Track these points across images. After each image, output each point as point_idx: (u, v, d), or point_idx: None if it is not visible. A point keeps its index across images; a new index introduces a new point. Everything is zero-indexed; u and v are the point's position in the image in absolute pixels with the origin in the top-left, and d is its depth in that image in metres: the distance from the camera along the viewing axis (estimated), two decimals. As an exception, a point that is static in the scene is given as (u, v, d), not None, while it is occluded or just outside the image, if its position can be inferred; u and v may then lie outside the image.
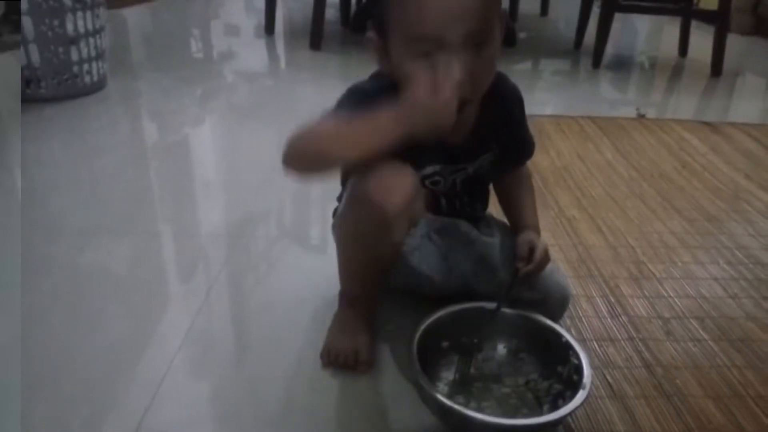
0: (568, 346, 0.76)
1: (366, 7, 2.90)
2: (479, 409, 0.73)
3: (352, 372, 0.82)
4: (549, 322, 0.80)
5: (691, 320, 0.96)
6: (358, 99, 0.76)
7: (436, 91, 0.66)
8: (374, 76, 0.81)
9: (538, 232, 0.88)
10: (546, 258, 0.84)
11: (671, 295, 1.03)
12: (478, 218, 0.91)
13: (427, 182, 0.84)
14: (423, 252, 0.85)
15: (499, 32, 0.73)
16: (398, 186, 0.73)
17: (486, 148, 0.85)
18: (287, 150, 0.72)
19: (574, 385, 0.71)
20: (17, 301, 0.92)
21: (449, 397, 0.71)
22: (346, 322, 0.86)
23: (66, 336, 0.88)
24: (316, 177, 0.81)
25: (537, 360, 0.80)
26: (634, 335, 0.92)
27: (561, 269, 0.97)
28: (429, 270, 0.86)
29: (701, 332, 0.93)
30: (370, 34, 0.75)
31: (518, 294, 0.82)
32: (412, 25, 0.69)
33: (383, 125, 0.69)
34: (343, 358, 0.82)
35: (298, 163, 0.73)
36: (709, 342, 0.91)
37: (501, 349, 0.81)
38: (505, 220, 0.94)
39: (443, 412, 0.70)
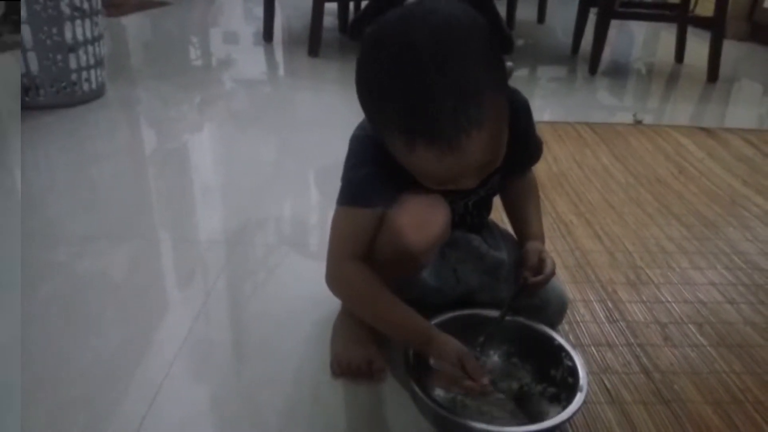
0: (561, 349, 0.76)
1: (364, 15, 2.90)
2: (475, 417, 0.73)
3: (368, 380, 0.81)
4: (539, 325, 0.80)
5: (690, 325, 0.96)
6: (366, 170, 0.75)
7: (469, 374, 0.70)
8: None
9: (543, 241, 0.88)
10: (553, 270, 0.84)
11: (669, 300, 1.03)
12: (483, 225, 0.91)
13: None
14: (434, 265, 0.85)
15: (506, 118, 0.70)
16: (434, 223, 0.73)
17: (496, 171, 0.84)
18: (337, 287, 0.80)
19: (570, 388, 0.71)
20: (17, 301, 0.93)
21: (445, 404, 0.71)
22: (353, 331, 0.86)
23: (64, 341, 0.88)
24: None
25: (529, 364, 0.79)
26: (632, 340, 0.92)
27: (558, 275, 0.97)
28: (437, 282, 0.86)
29: (699, 337, 0.94)
30: (395, 139, 0.68)
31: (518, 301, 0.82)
32: (431, 176, 0.69)
33: (433, 346, 0.72)
34: (355, 367, 0.81)
35: (339, 297, 0.83)
36: (708, 347, 0.91)
37: (492, 354, 0.81)
38: (508, 227, 0.94)
39: (440, 421, 0.70)
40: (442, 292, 0.86)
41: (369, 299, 0.77)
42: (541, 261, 0.83)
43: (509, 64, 0.68)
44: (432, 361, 0.71)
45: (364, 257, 0.77)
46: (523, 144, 0.85)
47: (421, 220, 0.72)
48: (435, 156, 0.64)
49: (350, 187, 0.77)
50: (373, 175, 0.74)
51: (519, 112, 0.81)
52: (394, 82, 0.64)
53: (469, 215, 0.87)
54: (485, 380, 0.69)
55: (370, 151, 0.74)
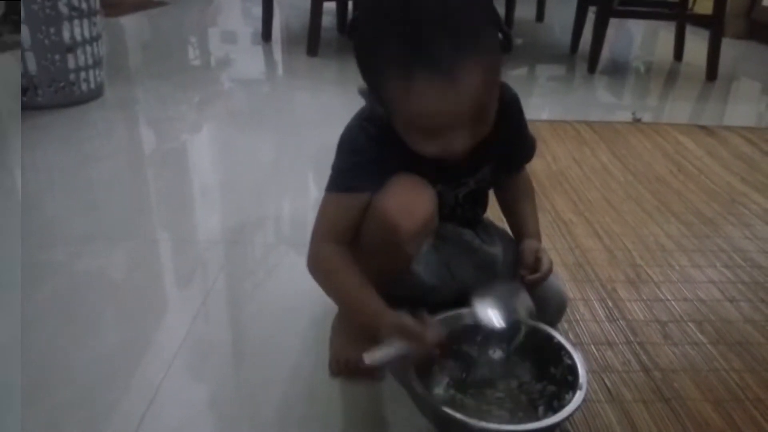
0: (560, 347, 0.76)
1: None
2: (474, 415, 0.73)
3: (366, 379, 0.81)
4: (539, 324, 0.80)
5: (689, 323, 0.96)
6: (356, 158, 0.75)
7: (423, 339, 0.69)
8: (364, 119, 0.77)
9: (539, 239, 0.88)
10: (550, 268, 0.83)
11: (669, 298, 1.03)
12: (478, 222, 0.91)
13: None
14: (427, 260, 0.85)
15: (499, 72, 0.70)
16: (419, 206, 0.73)
17: (486, 161, 0.84)
18: (312, 268, 0.78)
19: (569, 386, 0.71)
20: (17, 301, 0.93)
21: (444, 403, 0.71)
22: (351, 330, 0.85)
23: (63, 342, 0.88)
24: None
25: (529, 362, 0.79)
26: (632, 339, 0.92)
27: (558, 274, 0.96)
28: (431, 278, 0.85)
29: (699, 335, 0.93)
30: (372, 99, 0.72)
31: None
32: (414, 121, 0.68)
33: (379, 324, 0.72)
34: (354, 366, 0.81)
35: (316, 281, 0.80)
36: (707, 345, 0.91)
37: (492, 353, 0.81)
38: (504, 225, 0.94)
39: (439, 419, 0.70)
40: (438, 290, 0.86)
41: (335, 277, 0.77)
42: (538, 259, 0.82)
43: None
44: (366, 358, 0.70)
45: (346, 243, 0.77)
46: (515, 139, 0.85)
47: (405, 203, 0.72)
48: (432, 89, 0.64)
49: (338, 174, 0.77)
50: (362, 163, 0.75)
51: (510, 105, 0.80)
52: (393, 15, 0.65)
53: (460, 207, 0.87)
54: (431, 335, 0.69)
55: (360, 140, 0.75)
